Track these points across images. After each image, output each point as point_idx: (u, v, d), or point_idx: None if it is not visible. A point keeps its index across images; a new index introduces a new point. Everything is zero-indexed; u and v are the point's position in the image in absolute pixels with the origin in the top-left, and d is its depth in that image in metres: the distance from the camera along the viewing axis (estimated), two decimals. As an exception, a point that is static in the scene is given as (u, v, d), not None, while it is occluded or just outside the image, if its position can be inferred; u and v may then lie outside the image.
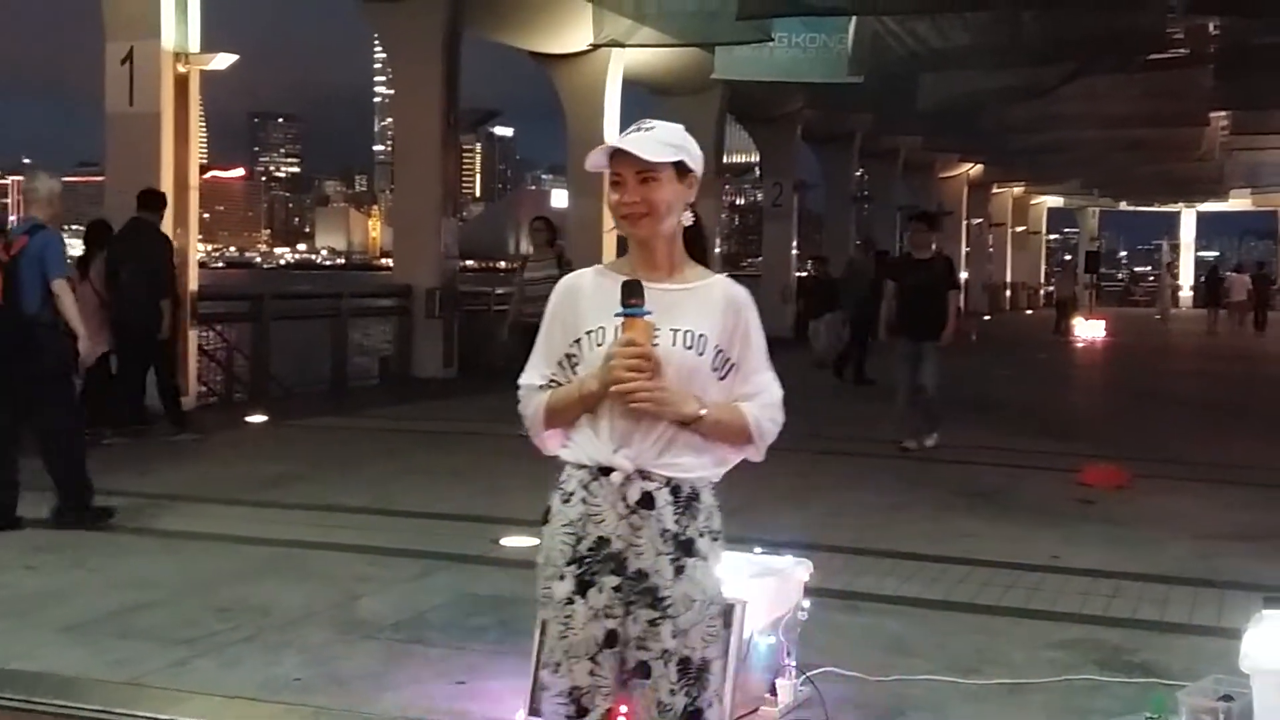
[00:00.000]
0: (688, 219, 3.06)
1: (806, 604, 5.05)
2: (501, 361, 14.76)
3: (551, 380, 3.06)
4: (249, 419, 13.25)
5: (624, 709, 3.04)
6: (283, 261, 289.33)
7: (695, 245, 3.11)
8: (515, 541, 7.37)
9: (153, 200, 12.39)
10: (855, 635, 5.89)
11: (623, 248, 3.16)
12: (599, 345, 2.96)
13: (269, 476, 9.99)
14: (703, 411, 2.94)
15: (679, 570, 2.95)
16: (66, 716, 4.80)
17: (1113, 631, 6.18)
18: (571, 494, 2.99)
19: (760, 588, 4.75)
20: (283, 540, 7.79)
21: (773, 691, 4.85)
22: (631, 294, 2.89)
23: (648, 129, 3.01)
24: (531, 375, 3.09)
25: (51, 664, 5.37)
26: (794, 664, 4.94)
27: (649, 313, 2.90)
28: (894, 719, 4.92)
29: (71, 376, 8.76)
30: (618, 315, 2.90)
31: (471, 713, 4.82)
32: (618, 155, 2.97)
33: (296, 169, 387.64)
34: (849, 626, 5.98)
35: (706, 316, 3.00)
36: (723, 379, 3.01)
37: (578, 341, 3.02)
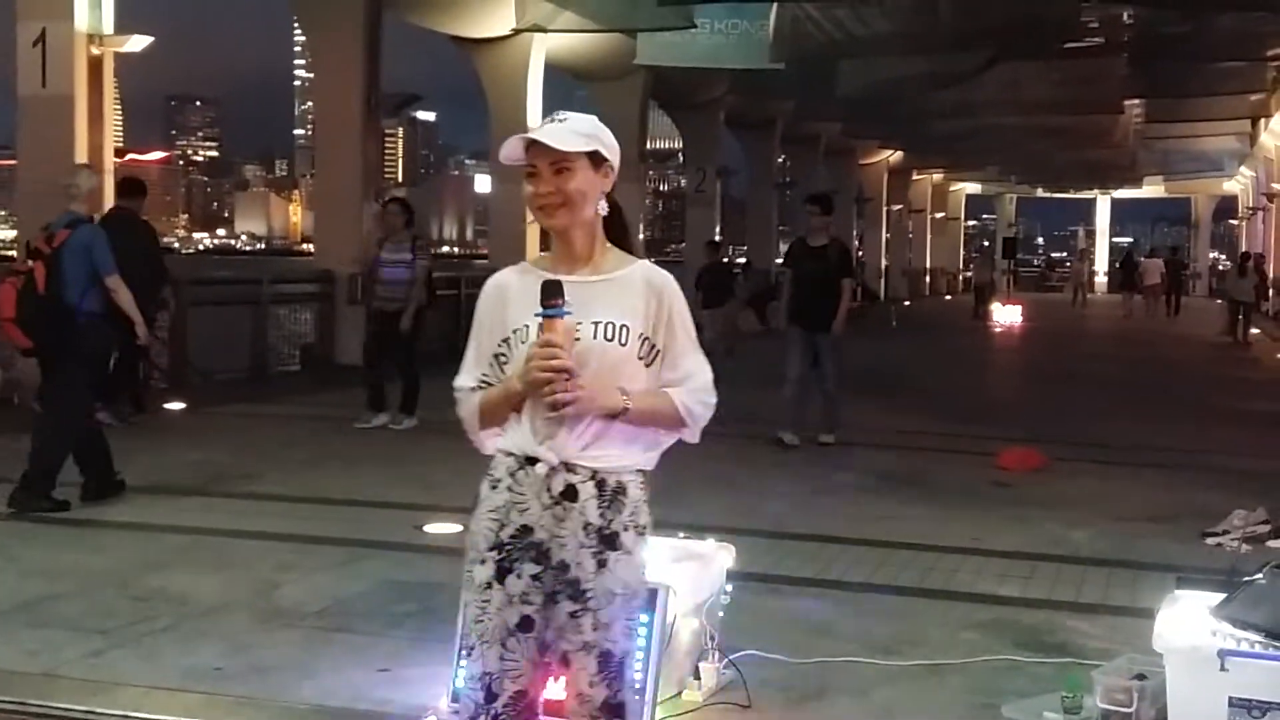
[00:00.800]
0: (604, 208, 3.06)
1: (729, 588, 5.09)
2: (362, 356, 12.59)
3: (483, 381, 3.07)
4: (168, 406, 13.06)
5: (550, 682, 3.05)
6: (202, 247, 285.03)
7: (616, 229, 3.11)
8: (439, 528, 7.33)
9: (132, 189, 12.33)
10: (777, 618, 5.93)
11: (546, 240, 3.16)
12: (524, 343, 2.96)
13: (188, 464, 9.86)
14: (628, 404, 2.95)
15: (601, 564, 2.95)
16: (-20, 709, 4.72)
17: (1030, 612, 6.27)
18: (499, 481, 3.00)
19: (683, 572, 4.77)
20: (202, 528, 7.70)
21: (696, 675, 4.88)
22: (550, 294, 2.88)
23: (561, 119, 3.01)
24: (465, 377, 3.10)
25: (-36, 656, 5.27)
26: (717, 647, 4.97)
27: (569, 313, 2.89)
28: (815, 700, 4.96)
29: (103, 369, 8.91)
30: (537, 316, 2.89)
31: (394, 700, 4.79)
32: (532, 147, 2.97)
33: (215, 153, 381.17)
34: (771, 609, 6.02)
35: (628, 306, 3.00)
36: (650, 365, 3.02)
37: (505, 341, 3.02)
